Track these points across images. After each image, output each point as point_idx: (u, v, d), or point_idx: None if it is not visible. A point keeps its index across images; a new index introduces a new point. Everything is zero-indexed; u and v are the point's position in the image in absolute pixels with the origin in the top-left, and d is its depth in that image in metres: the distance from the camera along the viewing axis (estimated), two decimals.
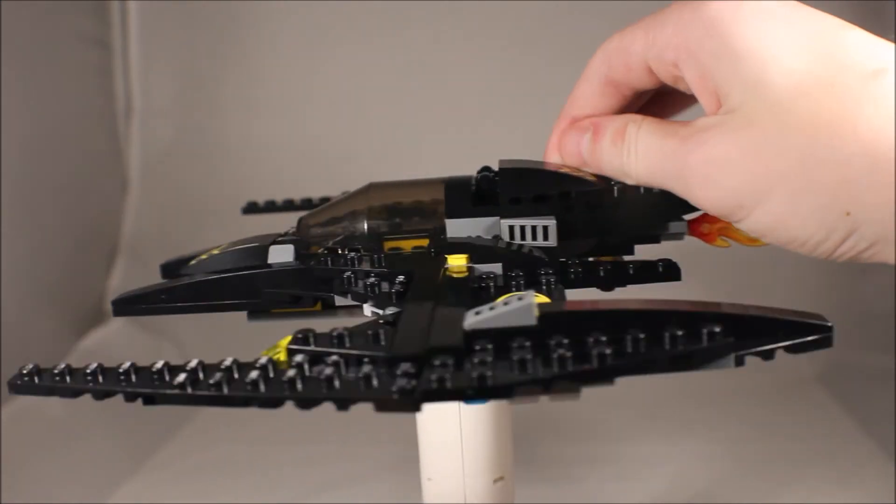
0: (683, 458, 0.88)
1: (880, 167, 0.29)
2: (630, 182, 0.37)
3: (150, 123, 1.31)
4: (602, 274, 0.37)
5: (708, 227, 0.42)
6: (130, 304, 0.43)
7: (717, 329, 0.28)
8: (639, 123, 0.36)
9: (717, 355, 0.29)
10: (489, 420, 0.43)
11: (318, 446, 0.94)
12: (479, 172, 0.42)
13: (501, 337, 0.30)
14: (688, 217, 0.42)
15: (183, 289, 0.42)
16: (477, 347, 0.29)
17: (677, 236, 0.42)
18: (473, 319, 0.30)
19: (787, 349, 0.30)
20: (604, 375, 0.29)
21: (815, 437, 0.91)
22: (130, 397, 0.31)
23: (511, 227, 0.39)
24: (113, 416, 1.01)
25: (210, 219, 1.28)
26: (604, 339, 0.29)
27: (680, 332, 0.28)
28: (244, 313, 0.43)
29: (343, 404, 0.28)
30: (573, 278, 0.38)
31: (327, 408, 1.01)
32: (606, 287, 0.39)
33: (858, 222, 0.30)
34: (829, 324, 0.29)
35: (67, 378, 0.32)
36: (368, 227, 0.42)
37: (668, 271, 0.38)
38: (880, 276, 1.15)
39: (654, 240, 0.42)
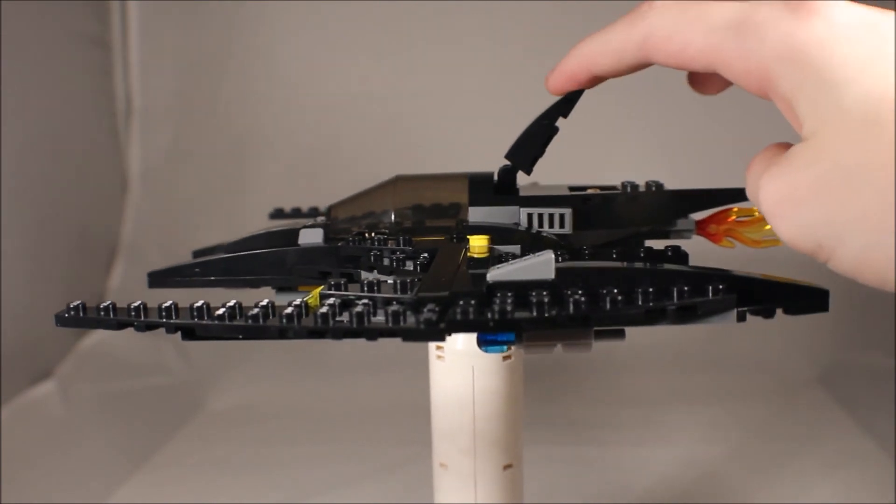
0: (684, 457, 0.88)
1: None
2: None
3: (150, 123, 1.31)
4: (614, 257, 0.39)
5: (715, 227, 0.43)
6: (166, 277, 0.45)
7: (721, 287, 0.31)
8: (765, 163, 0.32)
9: (720, 309, 0.31)
10: (501, 407, 0.44)
11: (318, 446, 0.94)
12: (501, 168, 0.44)
13: (521, 288, 0.32)
14: (696, 216, 0.44)
15: (217, 263, 0.45)
16: (498, 294, 0.31)
17: (685, 234, 0.44)
18: (496, 272, 0.33)
19: (786, 310, 0.32)
20: (614, 319, 0.30)
21: (815, 437, 0.91)
22: (171, 329, 0.33)
23: (529, 215, 0.42)
24: (113, 416, 1.01)
25: (210, 219, 1.29)
26: (616, 291, 0.30)
27: (686, 288, 0.30)
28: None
29: (372, 335, 0.30)
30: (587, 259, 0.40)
31: (329, 408, 1.00)
32: None
33: None
34: (826, 289, 0.31)
35: (112, 313, 0.34)
36: (395, 220, 0.45)
37: (676, 257, 0.39)
38: None
39: (664, 236, 0.44)
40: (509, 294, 0.31)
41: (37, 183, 1.11)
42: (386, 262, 0.40)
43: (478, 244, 0.39)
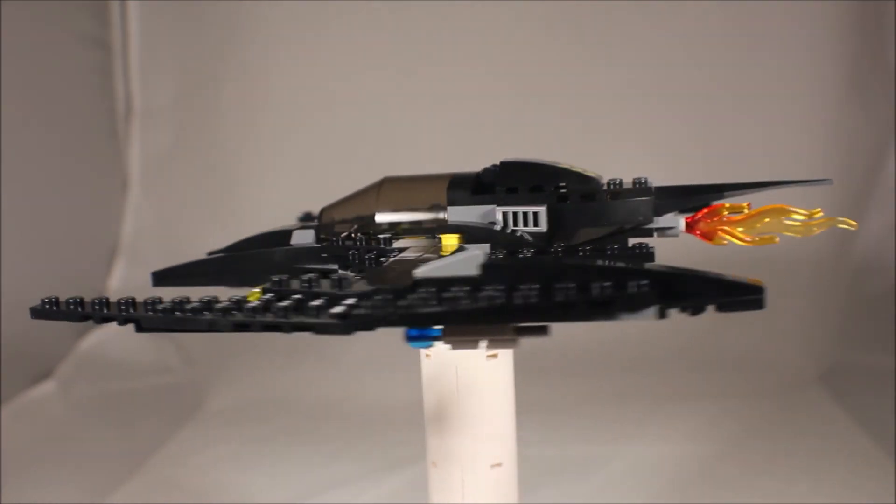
0: (683, 457, 0.88)
1: None
2: None
3: (150, 123, 1.31)
4: (580, 254, 0.39)
5: (704, 225, 0.42)
6: (167, 276, 0.48)
7: (644, 282, 0.30)
8: None
9: (637, 304, 0.30)
10: (486, 405, 0.44)
11: (318, 446, 0.94)
12: (484, 168, 0.45)
13: (445, 284, 0.33)
14: (687, 214, 0.43)
15: (213, 262, 0.47)
16: (421, 290, 0.32)
17: (672, 232, 0.42)
18: (423, 268, 0.34)
19: (719, 307, 0.30)
20: (525, 313, 0.30)
21: (815, 437, 0.91)
22: (122, 321, 0.37)
23: (505, 214, 0.41)
24: (113, 417, 1.01)
25: (210, 219, 1.29)
26: (535, 286, 0.31)
27: (607, 284, 0.30)
28: None
29: (288, 329, 0.31)
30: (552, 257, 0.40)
31: (329, 407, 1.00)
32: None
33: None
34: (761, 286, 0.30)
35: (78, 308, 0.38)
36: (377, 221, 0.45)
37: (642, 255, 0.39)
38: (880, 277, 1.15)
39: (648, 234, 0.43)
40: (429, 290, 0.32)
41: (37, 183, 1.11)
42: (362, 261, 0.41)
43: (448, 243, 0.40)
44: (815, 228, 0.38)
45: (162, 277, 0.48)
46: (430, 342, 0.36)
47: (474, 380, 0.43)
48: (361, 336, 0.31)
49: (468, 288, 0.31)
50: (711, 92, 1.23)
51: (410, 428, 0.94)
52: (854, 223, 0.38)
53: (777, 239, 0.39)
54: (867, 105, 1.20)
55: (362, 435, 0.97)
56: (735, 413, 0.99)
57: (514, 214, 0.41)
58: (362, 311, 0.30)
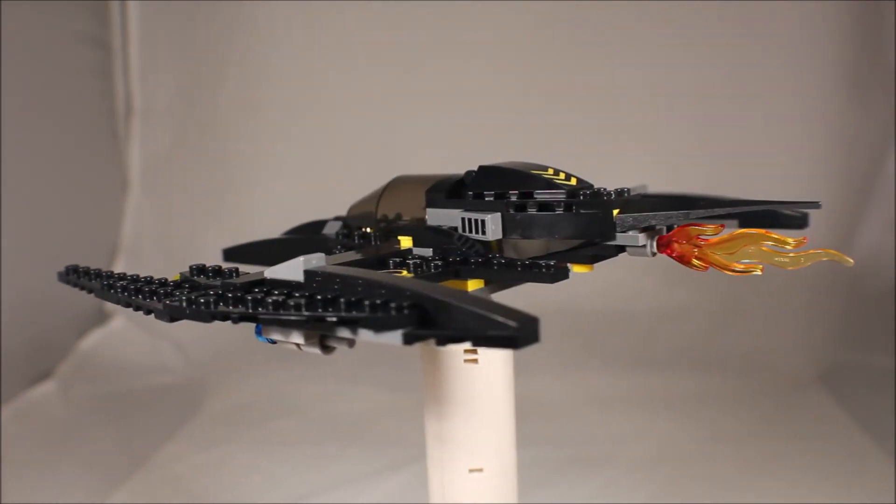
0: (683, 457, 0.88)
1: None
2: None
3: (150, 123, 1.31)
4: (495, 268, 0.38)
5: (679, 246, 0.38)
6: (235, 253, 0.54)
7: (403, 305, 0.29)
8: None
9: (380, 326, 0.29)
10: (463, 410, 0.43)
11: (317, 447, 0.94)
12: (467, 172, 0.45)
13: (273, 285, 0.35)
14: (655, 233, 0.39)
15: (273, 243, 0.53)
16: (255, 290, 0.33)
17: (640, 251, 0.39)
18: (269, 270, 0.36)
19: (475, 342, 0.28)
20: (283, 322, 0.31)
21: (815, 437, 0.91)
22: (81, 287, 0.42)
23: (463, 219, 0.41)
24: (113, 416, 1.01)
25: (210, 219, 1.29)
26: (318, 297, 0.30)
27: (378, 302, 0.29)
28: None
29: (140, 309, 0.36)
30: (473, 269, 0.40)
31: (329, 408, 1.00)
32: (498, 281, 0.41)
33: None
34: (515, 333, 0.27)
35: (77, 275, 0.43)
36: (379, 219, 0.47)
37: (554, 272, 0.37)
38: (880, 277, 1.15)
39: (617, 250, 0.40)
40: (259, 289, 0.33)
41: (37, 183, 1.11)
42: None
43: (403, 245, 0.42)
44: (802, 260, 0.36)
45: (231, 254, 0.54)
46: (265, 338, 0.36)
47: (450, 383, 0.43)
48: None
49: (282, 292, 0.32)
50: (712, 92, 1.23)
51: (410, 429, 0.94)
52: (850, 260, 0.36)
53: (761, 269, 0.36)
54: (867, 105, 1.20)
55: (361, 435, 0.97)
56: (735, 413, 0.99)
57: (468, 221, 0.41)
58: (178, 303, 0.32)
